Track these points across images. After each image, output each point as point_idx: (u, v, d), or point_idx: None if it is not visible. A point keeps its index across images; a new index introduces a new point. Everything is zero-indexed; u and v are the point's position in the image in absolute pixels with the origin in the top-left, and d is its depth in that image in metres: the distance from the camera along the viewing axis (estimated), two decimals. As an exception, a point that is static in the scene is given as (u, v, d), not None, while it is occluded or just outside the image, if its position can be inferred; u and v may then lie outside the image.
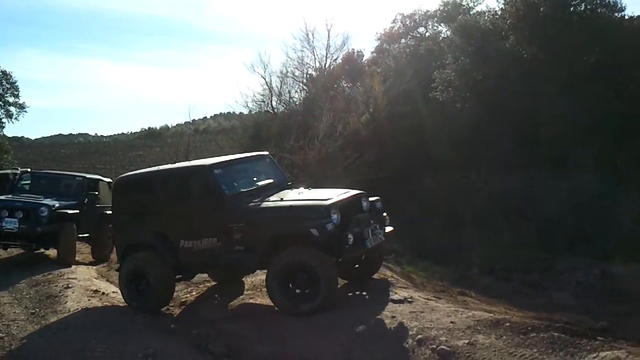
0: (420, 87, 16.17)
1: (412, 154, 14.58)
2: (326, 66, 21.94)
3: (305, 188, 8.03)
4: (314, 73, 22.32)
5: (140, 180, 8.38)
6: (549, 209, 10.79)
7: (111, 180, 11.30)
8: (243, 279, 8.45)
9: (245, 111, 24.84)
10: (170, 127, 46.67)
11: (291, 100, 22.34)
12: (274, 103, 22.15)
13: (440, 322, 5.91)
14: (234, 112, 32.65)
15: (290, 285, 6.80)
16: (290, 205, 7.15)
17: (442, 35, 19.68)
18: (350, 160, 15.34)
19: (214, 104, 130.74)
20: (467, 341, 5.41)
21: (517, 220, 11.27)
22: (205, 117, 44.28)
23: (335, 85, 21.52)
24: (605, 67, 12.71)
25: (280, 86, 22.12)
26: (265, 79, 21.82)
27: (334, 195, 7.35)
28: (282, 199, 7.39)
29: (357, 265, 7.50)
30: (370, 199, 7.54)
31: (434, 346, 5.35)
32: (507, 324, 5.94)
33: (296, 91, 22.69)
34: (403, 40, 21.72)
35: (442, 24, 20.51)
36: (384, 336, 5.59)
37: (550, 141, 12.61)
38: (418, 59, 18.22)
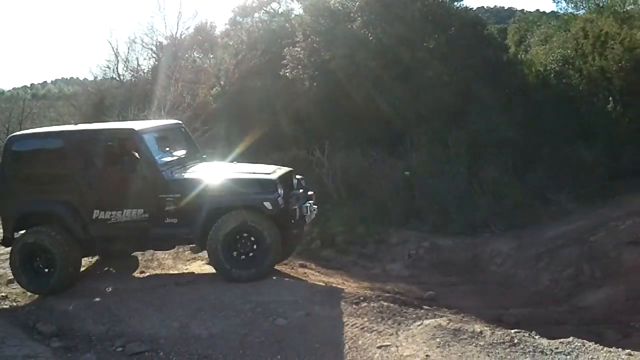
0: (271, 63, 16.23)
1: (261, 129, 14.67)
2: (177, 35, 21.33)
3: (230, 162, 7.77)
4: (164, 41, 21.62)
5: (44, 141, 7.50)
6: (385, 186, 11.35)
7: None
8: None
9: (91, 77, 23.54)
10: (4, 91, 42.97)
11: (139, 68, 21.51)
12: (120, 70, 21.20)
13: (280, 295, 6.13)
14: (77, 77, 30.91)
15: (234, 252, 6.65)
16: (236, 178, 6.97)
17: (294, 12, 19.85)
18: (198, 133, 15.13)
19: (56, 68, 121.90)
20: (304, 312, 5.66)
21: (356, 196, 11.75)
22: (45, 82, 41.35)
23: (187, 55, 20.98)
24: (443, 54, 13.56)
25: (128, 52, 21.20)
26: (111, 44, 20.80)
27: (271, 170, 7.24)
28: (217, 172, 7.16)
29: None
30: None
31: (272, 318, 5.54)
32: (342, 294, 6.29)
33: (145, 59, 21.87)
34: (257, 15, 21.64)
35: (294, 1, 20.67)
36: (223, 310, 5.69)
37: (389, 122, 13.30)
38: (270, 35, 18.26)
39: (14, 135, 7.81)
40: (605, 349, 4.73)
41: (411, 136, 12.36)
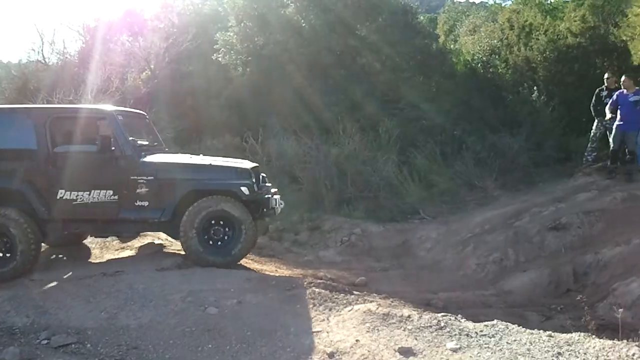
0: (203, 48, 15.98)
1: (194, 115, 14.46)
2: (106, 17, 20.64)
3: (191, 155, 7.63)
4: (92, 23, 20.88)
5: (10, 117, 7.18)
6: (318, 173, 11.40)
7: None
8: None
9: (15, 60, 22.52)
10: None
11: (65, 51, 20.70)
12: (45, 53, 20.34)
13: (212, 284, 6.07)
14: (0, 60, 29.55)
15: (207, 237, 6.72)
16: (211, 164, 7.07)
17: (227, -4, 19.57)
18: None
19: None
20: (236, 300, 5.62)
21: (290, 183, 11.75)
22: (-35, 64, 39.19)
23: (115, 38, 20.35)
24: (374, 42, 13.71)
25: (54, 35, 20.38)
26: (36, 26, 19.92)
27: (240, 161, 7.43)
28: (189, 159, 7.23)
29: None
30: None
31: (203, 307, 5.48)
32: (274, 282, 6.30)
33: (72, 41, 21.07)
34: (188, -3, 21.19)
35: (228, -16, 20.35)
36: (153, 300, 5.59)
37: (323, 109, 13.36)
38: (202, 18, 17.98)
39: None
40: (527, 331, 4.90)
41: (344, 123, 12.46)
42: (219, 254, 6.76)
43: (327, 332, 4.94)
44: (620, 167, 10.55)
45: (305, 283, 6.34)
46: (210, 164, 7.09)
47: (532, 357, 4.33)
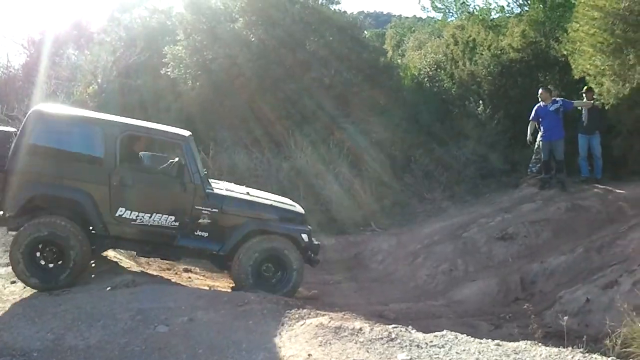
0: (152, 61, 15.79)
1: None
2: (51, 30, 20.17)
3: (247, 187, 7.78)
4: (37, 36, 20.39)
5: (81, 124, 6.88)
6: (270, 187, 11.37)
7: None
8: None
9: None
10: None
11: (9, 65, 20.14)
12: (-12, 67, 19.75)
13: (162, 302, 5.98)
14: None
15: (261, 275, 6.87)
16: (277, 206, 7.31)
17: (175, 10, 19.43)
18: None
19: None
20: (187, 318, 5.56)
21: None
22: None
23: (61, 52, 19.93)
24: (322, 57, 13.82)
25: (-3, 48, 19.85)
26: (-22, 40, 19.35)
27: (290, 202, 7.81)
28: (247, 193, 7.32)
29: None
30: None
31: (154, 325, 5.40)
32: (226, 298, 6.25)
33: (15, 55, 20.56)
34: (136, 11, 20.95)
35: (175, -2, 20.20)
36: (101, 319, 5.47)
37: (274, 123, 13.37)
38: (150, 32, 17.78)
39: (46, 110, 6.96)
40: (476, 340, 5.00)
41: (295, 137, 12.49)
42: (268, 291, 6.72)
43: (280, 347, 4.93)
44: (554, 177, 10.94)
45: (257, 299, 6.31)
46: (276, 205, 7.30)
47: (480, 366, 4.42)
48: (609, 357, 4.51)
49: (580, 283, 7.79)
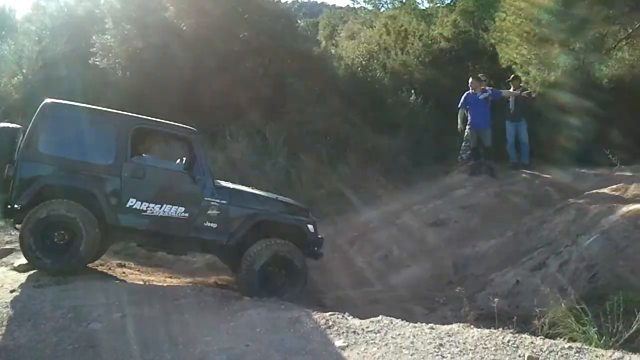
0: (79, 51, 15.28)
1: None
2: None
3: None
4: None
5: (95, 117, 6.93)
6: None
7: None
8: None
9: None
10: None
11: None
12: None
13: (94, 298, 5.85)
14: None
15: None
16: (280, 199, 7.68)
17: (103, -3, 18.83)
18: (-2, 126, 13.84)
19: None
20: (120, 314, 5.46)
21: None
22: None
23: (-19, 42, 19.02)
24: (256, 46, 13.73)
25: None
26: None
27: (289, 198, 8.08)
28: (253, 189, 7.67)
29: None
30: None
31: (86, 323, 5.28)
32: (161, 292, 6.17)
33: None
34: (62, -1, 20.18)
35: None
36: (31, 318, 5.30)
37: (208, 114, 13.20)
38: (77, 21, 17.16)
39: (59, 103, 7.01)
40: (411, 324, 5.13)
41: (230, 128, 12.38)
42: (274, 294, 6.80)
43: (218, 340, 4.91)
44: (483, 163, 11.30)
45: (194, 292, 6.27)
46: (279, 198, 7.65)
47: (415, 349, 4.53)
48: (537, 336, 4.69)
49: (510, 266, 8.10)
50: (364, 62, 15.06)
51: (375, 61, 14.99)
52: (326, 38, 19.17)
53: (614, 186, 9.43)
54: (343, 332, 4.93)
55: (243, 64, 13.60)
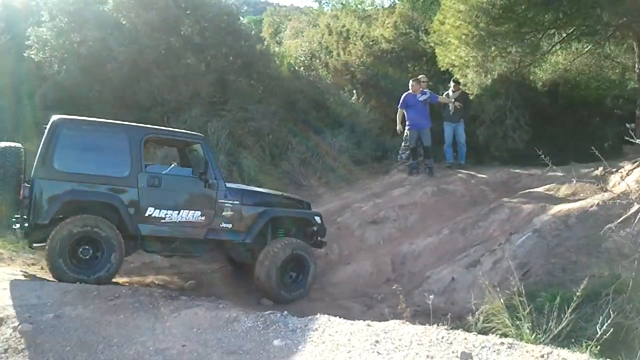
0: (13, 44, 14.78)
1: (4, 116, 13.32)
2: None
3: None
4: None
5: (107, 131, 7.17)
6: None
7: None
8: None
9: None
10: None
11: None
12: None
13: (25, 299, 5.67)
14: None
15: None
16: (286, 195, 8.40)
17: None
18: None
19: None
20: (53, 315, 5.31)
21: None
22: None
23: None
24: (198, 42, 13.60)
25: None
26: None
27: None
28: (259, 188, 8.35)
29: None
30: None
31: (16, 324, 5.12)
32: (95, 292, 6.02)
33: None
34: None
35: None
36: (-44, 321, 5.09)
37: (149, 109, 12.99)
38: (11, 12, 16.58)
39: (68, 119, 7.04)
40: (348, 322, 5.17)
41: (170, 125, 12.22)
42: (294, 290, 7.61)
43: (153, 341, 4.84)
44: (423, 163, 11.54)
45: (130, 291, 6.16)
46: (285, 194, 8.36)
47: (352, 346, 4.59)
48: (471, 332, 4.81)
49: (446, 263, 8.30)
50: (306, 61, 15.12)
51: (317, 60, 15.06)
52: (270, 36, 19.13)
53: (547, 186, 9.77)
54: (281, 331, 4.95)
55: (184, 60, 13.45)
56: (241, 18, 15.83)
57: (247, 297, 7.54)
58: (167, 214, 7.06)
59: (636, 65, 11.19)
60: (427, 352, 4.36)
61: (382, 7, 16.56)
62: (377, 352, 4.44)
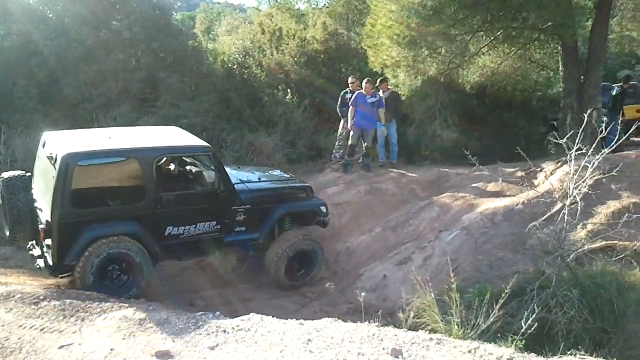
0: None
1: None
2: None
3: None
4: None
5: (111, 158, 6.92)
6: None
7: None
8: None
9: None
10: None
11: None
12: None
13: (-58, 303, 5.41)
14: None
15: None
16: (292, 185, 8.57)
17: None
18: None
19: None
20: (-29, 319, 5.09)
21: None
22: None
23: None
24: (128, 37, 13.29)
25: None
26: None
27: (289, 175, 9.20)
28: (259, 179, 8.30)
29: None
30: None
31: None
32: (19, 295, 5.83)
33: None
34: None
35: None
36: None
37: (77, 105, 12.62)
38: None
39: (77, 152, 6.68)
40: (281, 321, 5.16)
41: (99, 121, 11.88)
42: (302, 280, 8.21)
43: (79, 344, 4.71)
44: (362, 161, 11.66)
45: (55, 294, 5.96)
46: (291, 186, 8.53)
47: (284, 345, 4.59)
48: (401, 329, 4.90)
49: (379, 260, 8.44)
50: (240, 59, 15.00)
51: (251, 59, 14.97)
52: (203, 33, 18.88)
53: (474, 185, 10.07)
54: (213, 332, 4.90)
55: (113, 55, 13.11)
56: (174, 14, 15.56)
57: (179, 297, 7.45)
58: (185, 229, 7.20)
59: (560, 68, 11.65)
60: (359, 350, 4.41)
61: (316, 6, 16.61)
62: (310, 351, 4.46)
